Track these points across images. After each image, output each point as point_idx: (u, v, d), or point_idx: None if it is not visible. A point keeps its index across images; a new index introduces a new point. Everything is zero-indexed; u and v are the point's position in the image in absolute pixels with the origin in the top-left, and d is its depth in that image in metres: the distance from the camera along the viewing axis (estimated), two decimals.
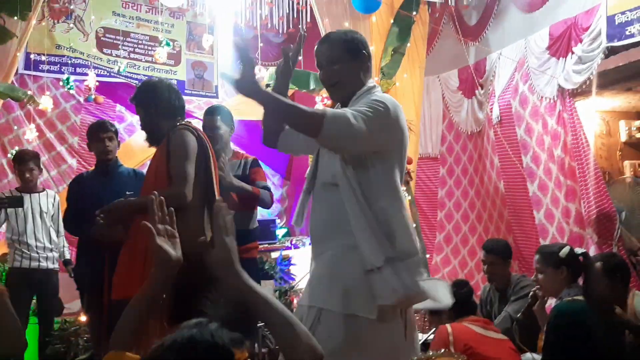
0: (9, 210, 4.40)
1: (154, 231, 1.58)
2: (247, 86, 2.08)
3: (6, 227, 4.57)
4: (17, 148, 5.72)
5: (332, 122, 2.07)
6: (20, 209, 4.41)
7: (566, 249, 3.13)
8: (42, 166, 4.87)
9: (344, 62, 2.32)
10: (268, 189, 3.87)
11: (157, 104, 2.97)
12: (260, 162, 4.05)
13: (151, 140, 3.08)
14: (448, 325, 3.01)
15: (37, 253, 4.49)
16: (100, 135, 3.79)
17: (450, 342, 2.83)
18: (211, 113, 3.87)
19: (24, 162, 4.50)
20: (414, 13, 5.53)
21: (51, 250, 4.58)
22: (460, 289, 3.18)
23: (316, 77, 5.18)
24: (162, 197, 1.74)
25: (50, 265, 4.57)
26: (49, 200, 4.64)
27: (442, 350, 1.69)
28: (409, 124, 2.71)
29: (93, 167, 4.14)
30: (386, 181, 2.22)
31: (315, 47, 2.38)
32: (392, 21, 5.61)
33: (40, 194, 4.62)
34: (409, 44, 5.48)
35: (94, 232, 3.28)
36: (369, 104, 2.17)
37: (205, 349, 1.18)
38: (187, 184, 2.76)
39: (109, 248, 3.48)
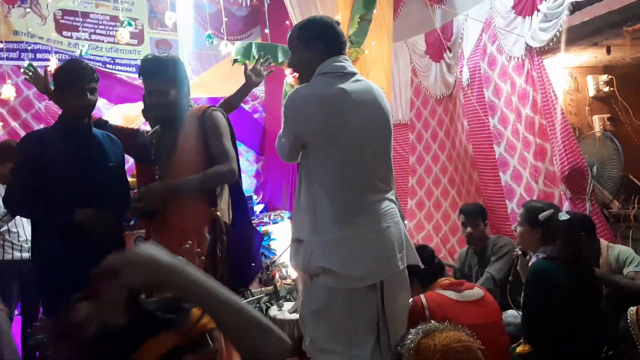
0: None
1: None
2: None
3: None
4: None
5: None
6: None
7: (546, 213, 3.24)
8: None
9: (298, 52, 2.59)
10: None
11: (182, 81, 3.00)
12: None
13: (172, 120, 3.03)
14: (422, 297, 2.83)
15: (28, 244, 4.44)
16: (86, 85, 3.05)
17: (427, 316, 2.67)
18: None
19: (7, 156, 4.38)
20: None
21: None
22: (422, 253, 2.89)
23: (284, 49, 5.10)
24: (198, 250, 1.67)
25: None
26: None
27: (446, 324, 1.65)
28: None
29: (54, 124, 3.23)
30: (318, 169, 2.50)
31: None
32: None
33: None
34: (375, 11, 5.41)
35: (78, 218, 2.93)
36: None
37: None
38: (234, 161, 2.91)
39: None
